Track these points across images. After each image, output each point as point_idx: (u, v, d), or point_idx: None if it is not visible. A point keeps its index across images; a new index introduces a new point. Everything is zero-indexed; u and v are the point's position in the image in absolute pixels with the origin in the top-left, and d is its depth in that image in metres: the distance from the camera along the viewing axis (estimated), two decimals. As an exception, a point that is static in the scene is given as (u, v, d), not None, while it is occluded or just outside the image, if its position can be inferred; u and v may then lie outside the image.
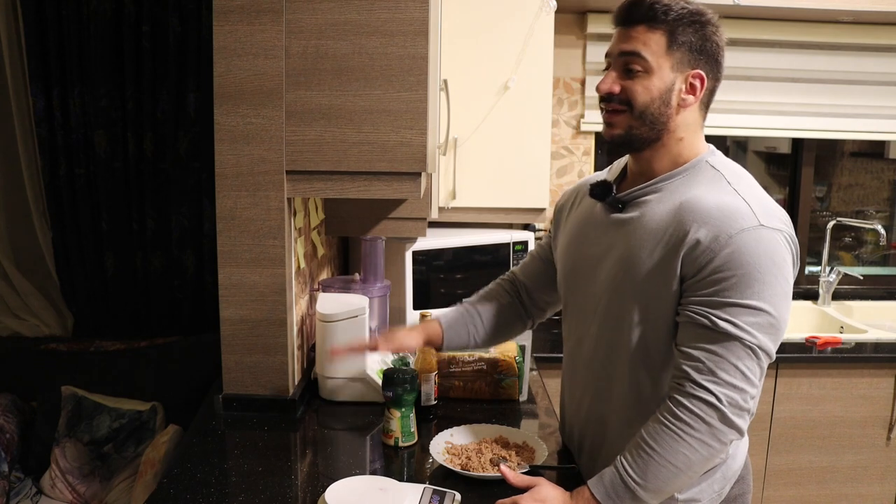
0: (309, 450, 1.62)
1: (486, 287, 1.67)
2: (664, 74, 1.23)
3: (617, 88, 1.25)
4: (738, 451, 1.39)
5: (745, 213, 1.18)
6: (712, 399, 1.15)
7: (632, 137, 1.27)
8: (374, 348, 1.57)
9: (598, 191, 1.35)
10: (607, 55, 1.28)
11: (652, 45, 1.22)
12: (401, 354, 2.02)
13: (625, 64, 1.24)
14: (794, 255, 1.21)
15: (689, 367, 1.17)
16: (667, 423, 1.17)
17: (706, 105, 1.30)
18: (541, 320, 1.68)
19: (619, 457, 1.21)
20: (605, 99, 1.27)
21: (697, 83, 1.25)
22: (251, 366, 1.71)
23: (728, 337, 1.15)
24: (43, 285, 2.60)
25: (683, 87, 1.25)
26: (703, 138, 1.33)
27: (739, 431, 1.18)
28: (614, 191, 1.34)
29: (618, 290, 1.29)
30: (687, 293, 1.20)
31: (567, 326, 1.48)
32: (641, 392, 1.29)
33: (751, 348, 1.16)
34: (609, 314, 1.31)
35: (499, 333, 1.63)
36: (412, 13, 1.55)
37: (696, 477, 1.22)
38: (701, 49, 1.24)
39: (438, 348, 1.61)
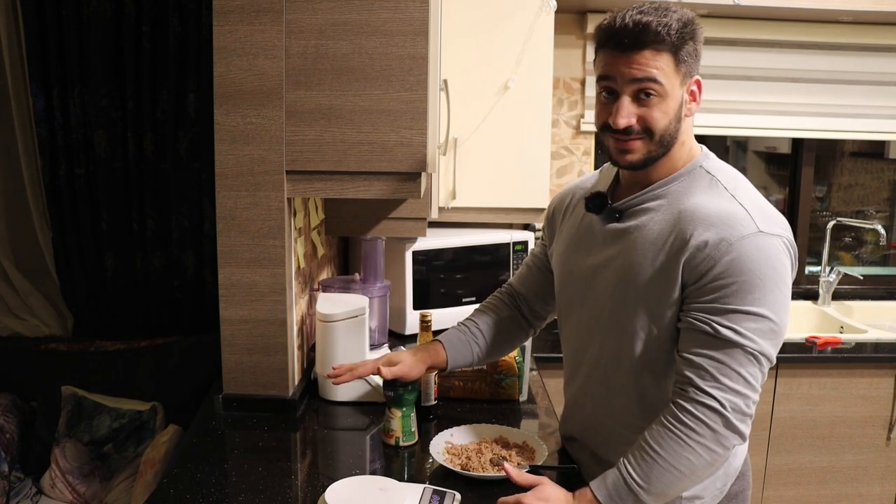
0: (309, 450, 1.62)
1: (484, 301, 1.65)
2: (676, 93, 1.22)
3: (634, 120, 1.21)
4: (739, 448, 1.39)
5: (744, 219, 1.18)
6: (716, 405, 1.16)
7: (649, 160, 1.26)
8: (375, 373, 1.53)
9: (594, 204, 1.35)
10: (605, 80, 1.23)
11: (663, 67, 1.19)
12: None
13: (638, 91, 1.20)
14: (792, 259, 1.22)
15: (693, 373, 1.18)
16: (671, 427, 1.17)
17: None
18: (542, 327, 1.67)
19: (622, 459, 1.21)
20: (623, 131, 1.22)
21: (696, 88, 1.25)
22: (251, 366, 1.71)
23: (730, 344, 1.16)
24: (43, 285, 2.60)
25: (687, 97, 1.25)
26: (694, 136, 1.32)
27: (742, 436, 1.18)
28: (609, 201, 1.34)
29: (620, 299, 1.29)
30: (688, 300, 1.21)
31: (566, 334, 1.48)
32: (645, 397, 1.30)
33: (753, 354, 1.16)
34: (612, 323, 1.32)
35: (502, 347, 1.63)
36: (412, 13, 1.55)
37: (697, 481, 1.23)
38: (696, 56, 1.23)
39: (443, 371, 1.59)
